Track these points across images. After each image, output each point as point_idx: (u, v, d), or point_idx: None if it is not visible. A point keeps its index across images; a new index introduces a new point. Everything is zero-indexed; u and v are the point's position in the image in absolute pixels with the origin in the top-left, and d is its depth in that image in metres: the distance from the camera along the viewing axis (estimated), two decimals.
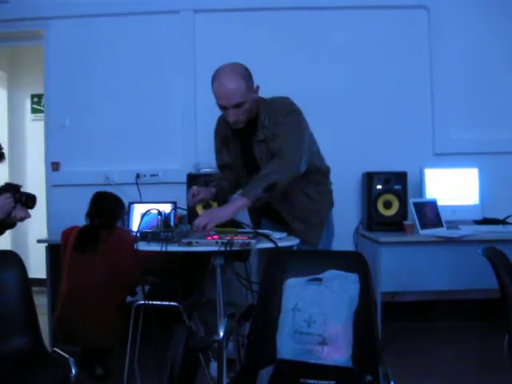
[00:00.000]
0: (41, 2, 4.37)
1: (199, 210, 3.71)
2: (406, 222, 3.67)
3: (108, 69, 4.39)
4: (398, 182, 3.88)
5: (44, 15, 4.37)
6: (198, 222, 2.29)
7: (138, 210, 3.99)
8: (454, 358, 3.49)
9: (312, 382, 1.90)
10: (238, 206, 2.35)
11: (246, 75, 2.51)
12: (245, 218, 2.84)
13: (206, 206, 3.71)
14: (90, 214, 3.25)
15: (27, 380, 2.11)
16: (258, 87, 2.59)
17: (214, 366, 2.45)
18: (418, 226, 3.54)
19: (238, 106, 2.48)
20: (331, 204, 2.95)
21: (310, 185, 2.76)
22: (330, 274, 2.19)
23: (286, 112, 2.58)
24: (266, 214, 2.86)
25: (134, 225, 3.89)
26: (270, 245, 2.29)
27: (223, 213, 2.34)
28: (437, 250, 3.55)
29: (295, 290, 2.20)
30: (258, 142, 2.62)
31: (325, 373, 1.96)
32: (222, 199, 2.94)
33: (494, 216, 3.94)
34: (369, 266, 2.22)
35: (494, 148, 4.25)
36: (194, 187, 2.68)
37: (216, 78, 2.50)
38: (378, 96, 4.31)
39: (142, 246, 2.33)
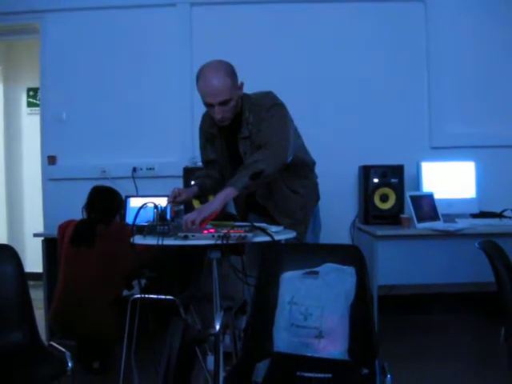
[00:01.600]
0: None
1: (196, 204, 3.72)
2: (402, 216, 3.67)
3: (104, 62, 4.38)
4: (394, 176, 3.86)
5: (39, 8, 4.35)
6: (186, 217, 2.29)
7: (134, 204, 3.99)
8: (451, 351, 3.50)
9: (308, 375, 1.90)
10: (224, 197, 2.33)
11: (230, 72, 2.49)
12: (232, 211, 2.85)
13: (203, 201, 3.72)
14: (87, 208, 3.25)
15: (23, 374, 2.11)
16: (242, 84, 2.58)
17: (210, 359, 2.45)
18: (415, 220, 3.54)
19: (224, 103, 2.47)
20: (317, 197, 2.96)
21: (296, 179, 2.77)
22: (326, 267, 2.19)
23: (269, 106, 2.57)
24: (251, 208, 2.86)
25: (131, 218, 3.88)
26: (266, 238, 2.29)
27: (210, 205, 2.33)
28: (433, 244, 3.55)
29: (292, 284, 2.20)
30: (242, 138, 2.62)
31: (321, 366, 1.96)
32: (205, 198, 2.94)
33: (491, 209, 3.95)
34: (365, 259, 2.22)
35: (491, 142, 4.26)
36: (176, 188, 2.66)
37: (201, 75, 2.48)
38: (374, 89, 4.31)
39: (139, 240, 2.32)
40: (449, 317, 4.20)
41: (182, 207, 3.30)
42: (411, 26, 4.33)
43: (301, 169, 2.78)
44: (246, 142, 2.61)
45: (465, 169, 4.04)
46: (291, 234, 2.49)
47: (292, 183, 2.75)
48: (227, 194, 2.34)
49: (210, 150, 2.83)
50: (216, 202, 2.32)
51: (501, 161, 4.26)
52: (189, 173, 3.88)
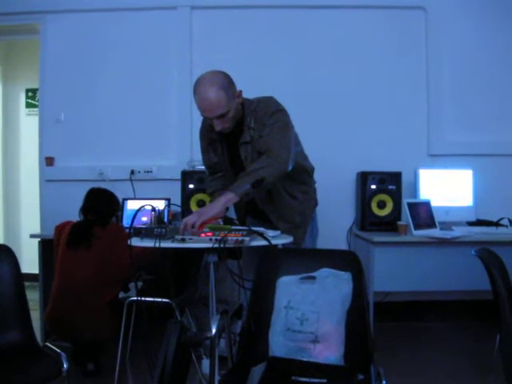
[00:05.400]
0: None
1: (194, 208, 3.72)
2: (399, 223, 3.67)
3: (104, 64, 4.38)
4: (392, 182, 3.88)
5: (40, 9, 4.35)
6: (186, 220, 2.27)
7: (131, 206, 3.99)
8: (446, 358, 3.50)
9: (304, 379, 1.90)
10: (225, 201, 2.31)
11: (225, 84, 2.46)
12: (231, 216, 2.84)
13: (201, 205, 3.72)
14: (83, 210, 3.25)
15: (18, 374, 2.10)
16: (241, 92, 2.56)
17: (205, 363, 2.45)
18: (412, 227, 3.55)
19: (221, 116, 2.46)
20: (315, 203, 2.96)
21: (295, 185, 2.77)
22: (323, 273, 2.19)
23: (271, 112, 2.57)
24: (251, 213, 2.86)
25: (128, 221, 3.88)
26: (263, 243, 2.28)
27: (210, 209, 2.32)
28: (430, 251, 3.55)
29: (288, 288, 2.20)
30: (243, 143, 2.61)
31: (316, 371, 1.96)
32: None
33: (488, 218, 3.95)
34: (362, 265, 2.22)
35: (489, 150, 4.27)
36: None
37: (196, 90, 2.47)
38: (373, 96, 4.32)
39: (136, 242, 2.32)
40: (444, 324, 4.20)
41: (179, 210, 3.29)
42: (411, 34, 4.34)
43: (300, 175, 2.78)
44: (247, 147, 2.61)
45: (462, 177, 4.05)
46: (288, 239, 2.49)
47: (291, 189, 2.74)
48: (228, 200, 2.32)
49: (212, 153, 2.82)
50: (217, 207, 2.30)
51: (498, 169, 4.26)
52: (187, 176, 3.86)
